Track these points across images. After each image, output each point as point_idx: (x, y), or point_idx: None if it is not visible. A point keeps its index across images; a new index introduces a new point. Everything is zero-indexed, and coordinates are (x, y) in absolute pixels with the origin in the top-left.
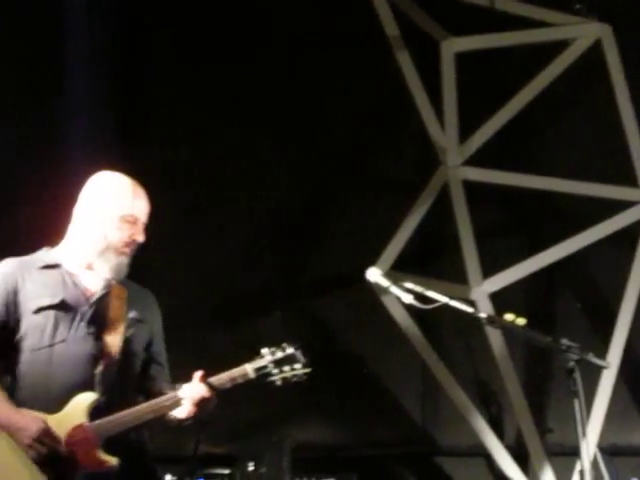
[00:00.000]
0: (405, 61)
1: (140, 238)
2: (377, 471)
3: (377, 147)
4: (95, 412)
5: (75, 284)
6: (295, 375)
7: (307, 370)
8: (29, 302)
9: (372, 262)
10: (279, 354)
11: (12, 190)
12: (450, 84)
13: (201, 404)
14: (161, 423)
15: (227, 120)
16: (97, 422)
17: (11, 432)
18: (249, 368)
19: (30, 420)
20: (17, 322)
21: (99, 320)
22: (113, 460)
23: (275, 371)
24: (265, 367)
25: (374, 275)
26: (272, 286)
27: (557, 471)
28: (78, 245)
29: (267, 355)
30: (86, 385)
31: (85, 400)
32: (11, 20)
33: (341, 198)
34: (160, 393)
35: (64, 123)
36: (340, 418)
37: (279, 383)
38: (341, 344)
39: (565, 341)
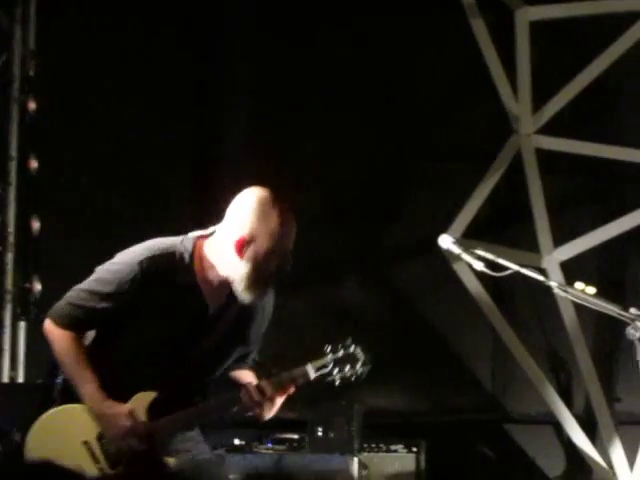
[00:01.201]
0: (480, 29)
1: (288, 269)
2: (446, 438)
3: (450, 115)
4: (153, 409)
5: (202, 311)
6: (354, 374)
7: (367, 368)
8: (149, 318)
9: (444, 229)
10: (341, 352)
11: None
12: (524, 52)
13: (264, 404)
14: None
15: (304, 90)
16: (156, 422)
17: (103, 422)
18: (310, 368)
19: (122, 414)
20: (129, 322)
21: (208, 328)
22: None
23: (335, 370)
24: (325, 366)
25: (446, 242)
26: (347, 253)
27: (625, 440)
28: (226, 259)
29: (329, 353)
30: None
31: (145, 398)
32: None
33: (414, 166)
34: (234, 379)
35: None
36: (410, 385)
37: (337, 383)
38: (412, 311)
39: (634, 310)
